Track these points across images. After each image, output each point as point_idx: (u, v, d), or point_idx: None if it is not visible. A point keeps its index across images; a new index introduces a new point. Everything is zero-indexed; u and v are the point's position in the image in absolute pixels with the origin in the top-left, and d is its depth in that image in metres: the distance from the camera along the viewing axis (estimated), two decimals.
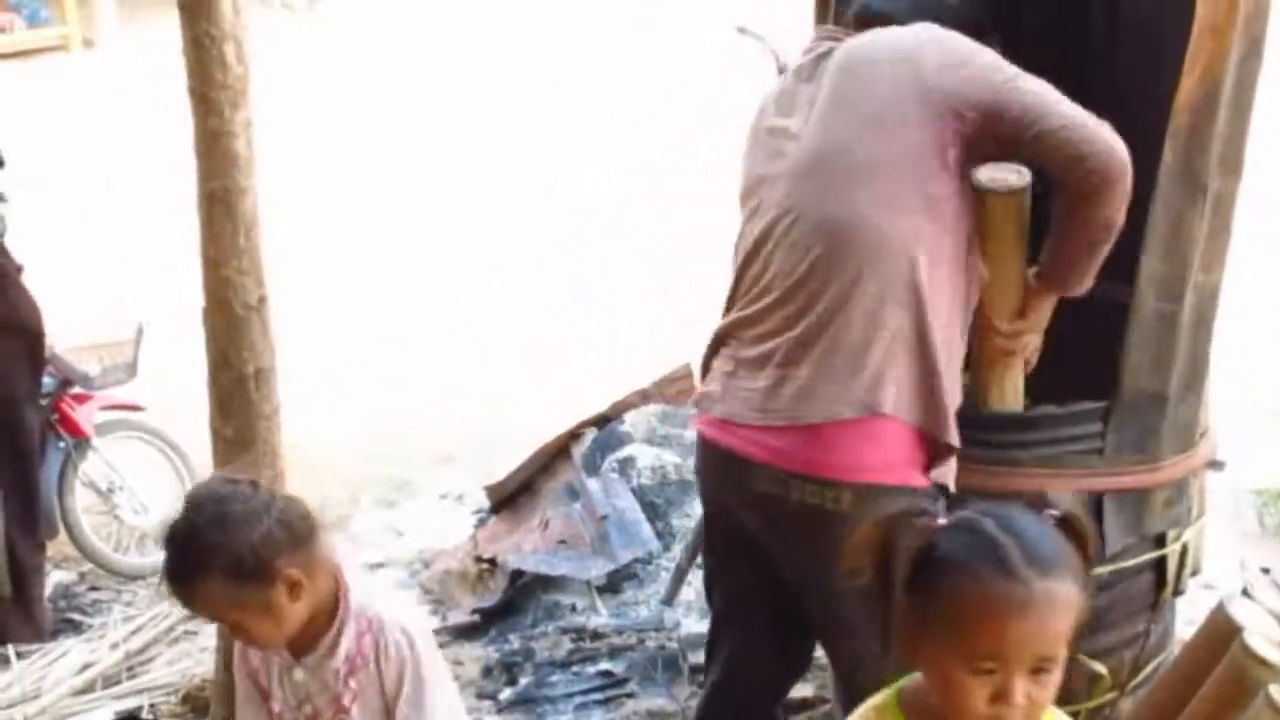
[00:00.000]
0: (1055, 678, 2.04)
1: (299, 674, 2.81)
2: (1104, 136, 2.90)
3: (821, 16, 3.65)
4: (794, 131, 3.09)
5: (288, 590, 2.70)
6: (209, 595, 2.70)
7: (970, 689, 2.04)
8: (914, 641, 2.06)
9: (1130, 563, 3.42)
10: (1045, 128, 2.89)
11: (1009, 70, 2.96)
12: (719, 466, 3.16)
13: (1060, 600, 2.00)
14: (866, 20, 3.18)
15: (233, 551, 2.65)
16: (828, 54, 3.13)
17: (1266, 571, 3.95)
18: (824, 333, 2.96)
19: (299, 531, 2.74)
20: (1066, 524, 2.11)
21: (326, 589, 2.78)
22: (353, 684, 2.79)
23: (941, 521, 2.11)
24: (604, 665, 4.76)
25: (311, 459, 6.79)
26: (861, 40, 3.10)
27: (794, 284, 3.00)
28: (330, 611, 2.79)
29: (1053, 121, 2.89)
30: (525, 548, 5.41)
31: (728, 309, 3.23)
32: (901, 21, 3.11)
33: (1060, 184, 2.97)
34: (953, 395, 3.03)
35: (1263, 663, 2.88)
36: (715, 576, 3.45)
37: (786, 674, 3.52)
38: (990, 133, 2.94)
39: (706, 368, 3.29)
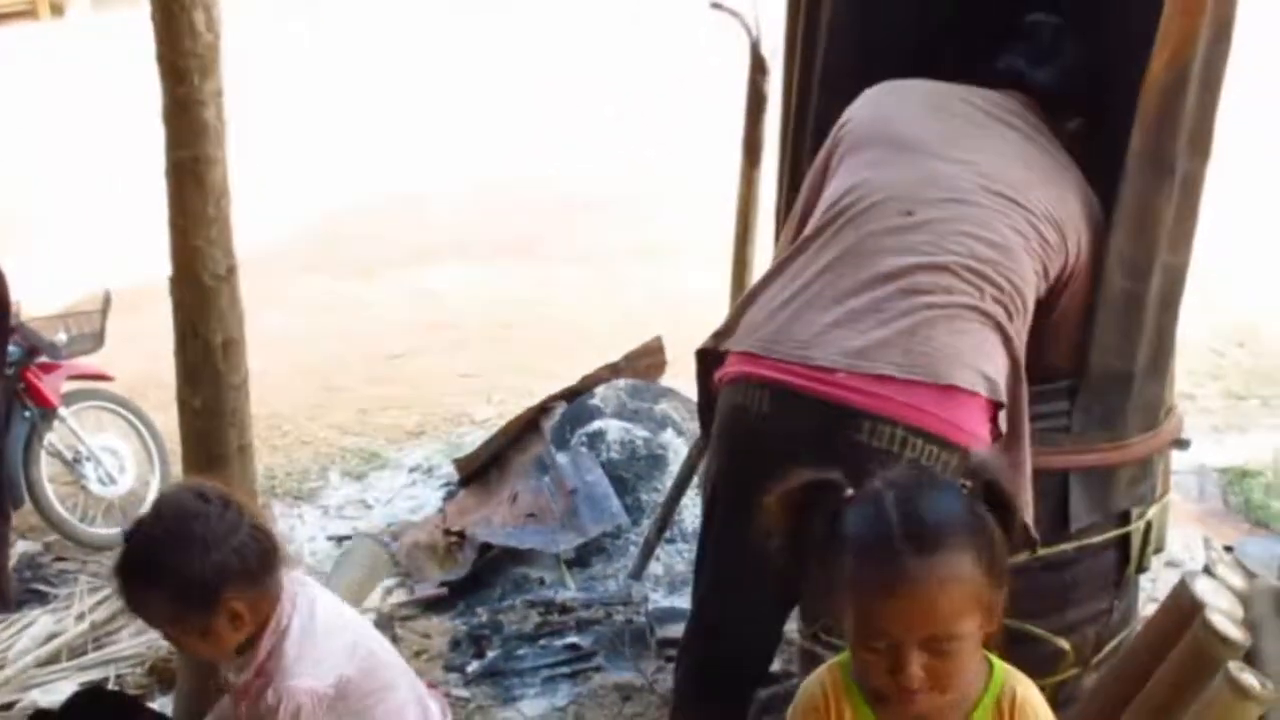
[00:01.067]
0: (962, 649, 2.05)
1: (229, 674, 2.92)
2: None
3: None
4: (977, 151, 3.17)
5: (228, 620, 2.75)
6: (149, 607, 2.77)
7: (868, 662, 2.07)
8: (829, 609, 2.09)
9: (1095, 540, 3.43)
10: None
11: None
12: (809, 413, 2.96)
13: (946, 577, 2.02)
14: (1020, 85, 3.34)
15: (182, 575, 2.69)
16: (1030, 123, 3.29)
17: (1229, 550, 3.99)
18: (968, 314, 2.98)
19: (253, 566, 2.77)
20: (991, 492, 2.14)
21: (266, 616, 2.84)
22: (243, 706, 2.88)
23: (850, 493, 2.13)
24: (571, 639, 4.78)
25: (282, 430, 6.81)
26: (1072, 166, 3.28)
27: (948, 263, 3.00)
28: (259, 634, 2.85)
29: None
30: (494, 521, 5.42)
31: (811, 241, 3.15)
32: (1053, 88, 3.33)
33: None
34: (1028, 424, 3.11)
35: (1224, 640, 2.90)
36: (724, 541, 3.23)
37: (777, 643, 3.48)
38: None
39: (745, 308, 3.21)
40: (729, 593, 3.25)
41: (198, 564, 2.69)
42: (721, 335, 3.24)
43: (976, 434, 2.94)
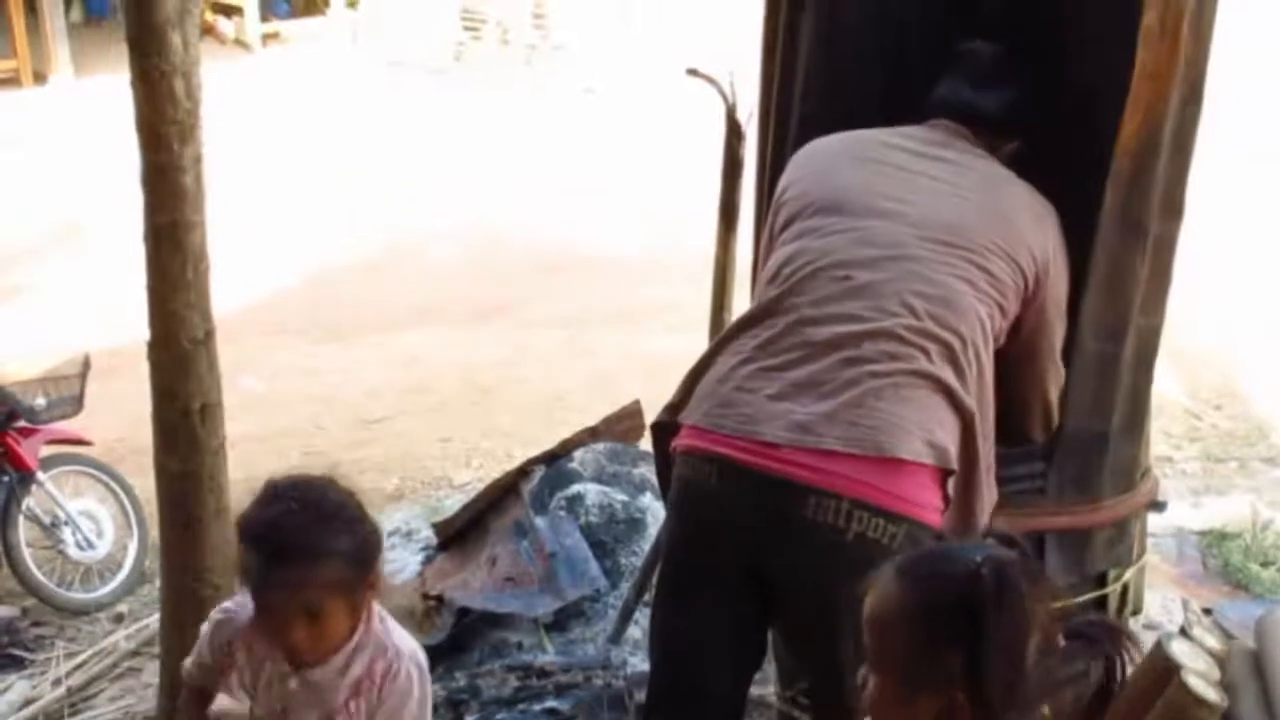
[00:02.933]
0: None
1: (293, 683, 2.77)
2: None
3: (769, 57, 3.69)
4: (910, 197, 3.12)
5: (366, 592, 2.73)
6: (322, 578, 2.64)
7: None
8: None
9: (1071, 602, 3.43)
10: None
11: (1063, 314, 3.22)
12: (754, 489, 2.97)
13: None
14: (958, 113, 3.30)
15: (354, 541, 2.67)
16: (959, 150, 3.24)
17: (1209, 613, 4.00)
18: (912, 380, 2.94)
19: (381, 544, 2.77)
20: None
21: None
22: (352, 706, 2.78)
23: None
24: (550, 703, 4.74)
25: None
26: (1011, 178, 3.23)
27: (889, 327, 2.97)
28: (350, 631, 2.77)
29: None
30: (473, 585, 5.39)
31: (757, 319, 3.14)
32: (990, 115, 3.28)
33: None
34: (985, 513, 3.06)
35: (1200, 701, 2.91)
36: (682, 608, 3.23)
37: (739, 706, 3.47)
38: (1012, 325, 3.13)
39: (694, 383, 3.20)
40: (685, 659, 3.25)
41: (360, 532, 2.69)
42: (674, 408, 3.24)
43: (924, 503, 2.92)
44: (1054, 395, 3.27)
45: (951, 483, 2.95)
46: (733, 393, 3.04)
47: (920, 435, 2.90)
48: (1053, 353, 3.21)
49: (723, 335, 3.23)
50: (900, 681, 2.06)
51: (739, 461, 2.97)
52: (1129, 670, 2.15)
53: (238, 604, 2.86)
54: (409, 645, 2.86)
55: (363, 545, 2.69)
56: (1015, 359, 3.14)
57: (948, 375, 2.95)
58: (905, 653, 2.05)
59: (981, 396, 3.00)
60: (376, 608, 2.84)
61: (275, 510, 2.68)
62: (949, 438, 2.93)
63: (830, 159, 3.29)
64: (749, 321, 3.15)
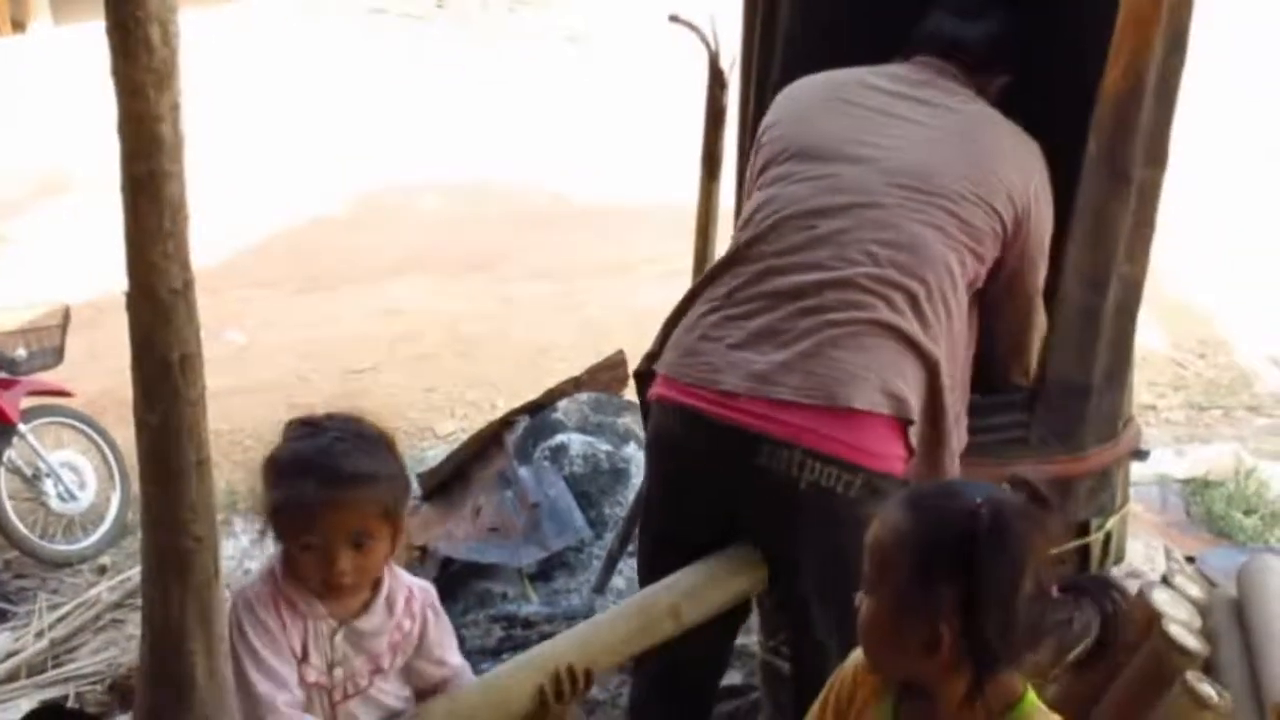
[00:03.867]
0: None
1: (339, 637, 2.77)
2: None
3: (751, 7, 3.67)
4: (885, 142, 3.10)
5: (401, 528, 2.75)
6: (375, 499, 2.68)
7: None
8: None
9: (1055, 550, 3.44)
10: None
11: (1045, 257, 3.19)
12: (713, 438, 3.01)
13: None
14: (941, 46, 3.27)
15: (398, 466, 2.74)
16: (941, 89, 3.20)
17: (1191, 561, 4.01)
18: (872, 330, 2.94)
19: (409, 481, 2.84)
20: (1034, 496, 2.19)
21: None
22: (398, 648, 2.82)
23: None
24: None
25: (244, 446, 6.78)
26: (995, 115, 3.19)
27: (850, 275, 2.97)
28: (384, 563, 2.80)
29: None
30: (457, 535, 5.40)
31: (726, 268, 3.16)
32: (977, 48, 3.24)
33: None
34: (955, 458, 3.07)
35: (1181, 650, 2.92)
36: (661, 555, 3.28)
37: (727, 655, 3.50)
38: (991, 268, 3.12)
39: (669, 331, 3.22)
40: None
41: (399, 458, 2.76)
42: (651, 356, 3.26)
43: (881, 453, 2.93)
44: (1034, 339, 3.28)
45: (914, 432, 2.96)
46: (697, 342, 3.07)
47: (877, 384, 2.91)
48: (1035, 295, 3.21)
49: (698, 282, 3.24)
50: (893, 608, 2.11)
51: (701, 411, 3.01)
52: (1124, 625, 2.20)
53: (246, 585, 2.86)
54: (421, 581, 2.93)
55: (403, 472, 2.76)
56: (995, 301, 3.15)
57: (910, 324, 2.94)
58: (901, 581, 2.09)
59: (952, 345, 3.01)
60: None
61: (322, 440, 2.74)
62: (910, 388, 2.93)
63: (808, 102, 3.27)
64: (720, 268, 3.16)
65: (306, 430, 2.81)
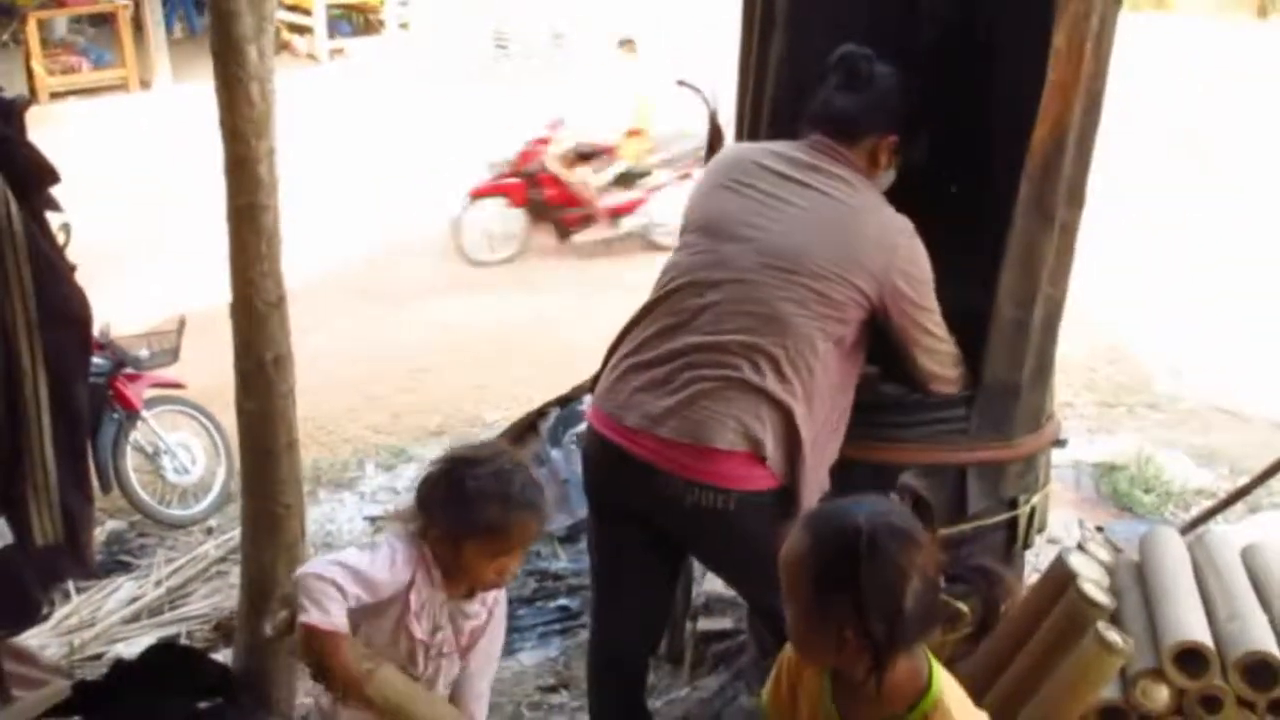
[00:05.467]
0: None
1: (448, 608, 2.75)
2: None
3: (744, 73, 3.65)
4: (764, 224, 3.06)
5: None
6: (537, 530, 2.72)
7: None
8: None
9: (988, 521, 3.42)
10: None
11: (928, 304, 3.10)
12: (625, 468, 3.08)
13: None
14: (828, 118, 3.16)
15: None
16: (824, 173, 3.11)
17: (1100, 530, 4.00)
18: (736, 385, 2.97)
19: None
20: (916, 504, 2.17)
21: None
22: (484, 618, 2.80)
23: None
24: (563, 601, 4.76)
25: (326, 430, 6.78)
26: (868, 201, 3.11)
27: (723, 341, 2.99)
28: None
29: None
30: None
31: (640, 320, 3.18)
32: (861, 117, 3.12)
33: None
34: (816, 471, 3.07)
35: (1093, 604, 2.90)
36: (601, 549, 3.38)
37: (659, 626, 3.53)
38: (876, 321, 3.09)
39: (607, 363, 3.24)
40: (607, 585, 3.38)
41: None
42: (595, 379, 3.31)
43: (746, 476, 2.99)
44: (934, 364, 3.20)
45: (773, 461, 2.99)
46: (615, 381, 3.15)
47: (736, 428, 2.96)
48: (923, 338, 3.14)
49: (628, 322, 3.24)
50: (805, 614, 2.11)
51: (610, 440, 3.10)
52: (1004, 608, 2.22)
53: (383, 569, 2.68)
54: None
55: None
56: (896, 341, 3.15)
57: (769, 381, 2.97)
58: (805, 594, 2.09)
59: (810, 394, 3.01)
60: None
61: (513, 474, 2.66)
62: (765, 430, 2.97)
63: (713, 179, 3.24)
64: (639, 315, 3.20)
65: (482, 462, 2.69)
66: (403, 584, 2.65)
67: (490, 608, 2.81)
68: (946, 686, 2.17)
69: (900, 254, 3.05)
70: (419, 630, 2.70)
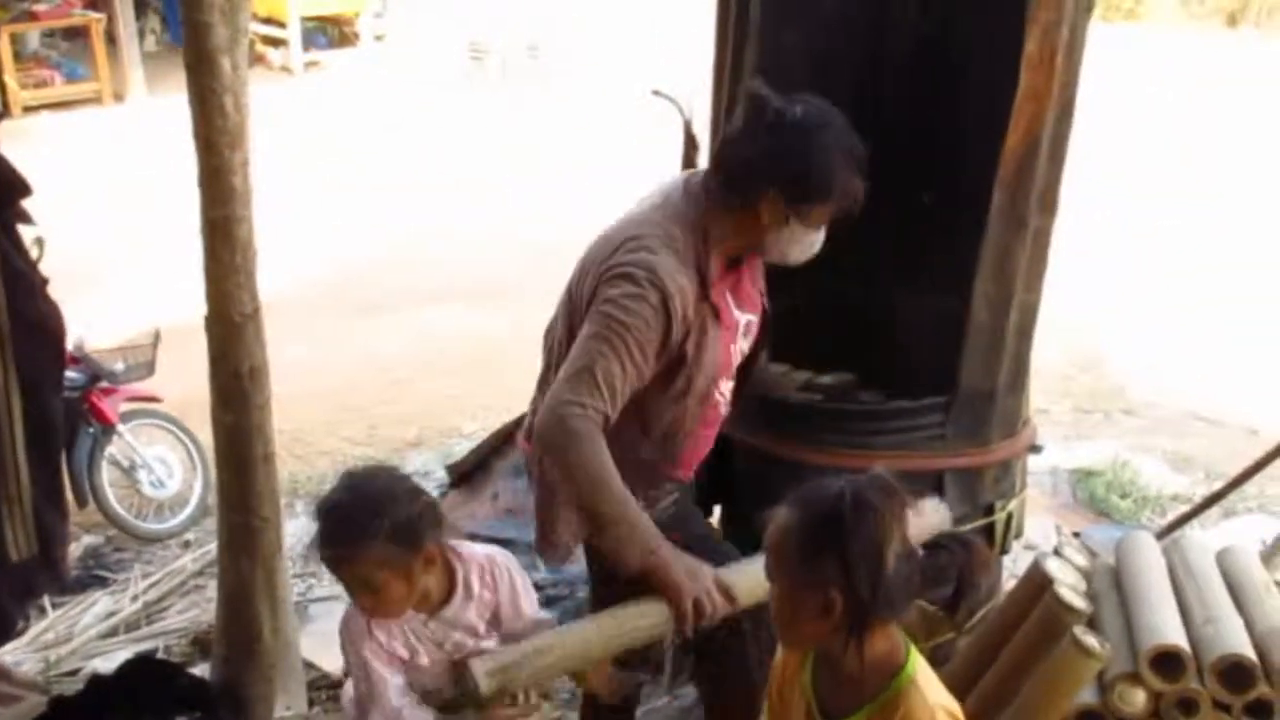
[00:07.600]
0: None
1: (433, 625, 2.77)
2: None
3: (718, 83, 3.66)
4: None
5: (425, 562, 2.71)
6: (368, 557, 2.64)
7: None
8: None
9: (965, 527, 3.44)
10: None
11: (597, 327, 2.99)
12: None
13: None
14: (715, 166, 3.04)
15: (398, 519, 2.64)
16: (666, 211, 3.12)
17: (1077, 535, 4.01)
18: None
19: (440, 516, 2.76)
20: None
21: (446, 558, 2.81)
22: (488, 615, 2.84)
23: None
24: (542, 612, 4.74)
25: (304, 442, 6.75)
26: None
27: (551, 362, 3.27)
28: (448, 574, 2.80)
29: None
30: (479, 515, 5.39)
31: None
32: (736, 169, 2.91)
33: None
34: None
35: (1069, 609, 2.92)
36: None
37: None
38: None
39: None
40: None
41: (406, 510, 2.67)
42: None
43: None
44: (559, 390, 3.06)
45: None
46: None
47: None
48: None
49: None
50: (791, 586, 2.18)
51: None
52: (979, 575, 2.25)
53: (360, 648, 2.83)
54: (488, 549, 2.94)
55: (404, 528, 2.66)
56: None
57: None
58: (792, 562, 2.16)
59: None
60: (453, 542, 2.86)
61: (333, 498, 2.71)
62: None
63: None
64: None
65: (337, 486, 2.76)
66: (373, 640, 2.78)
67: (489, 584, 2.83)
68: (921, 667, 2.23)
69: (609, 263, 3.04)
70: (423, 658, 2.78)
